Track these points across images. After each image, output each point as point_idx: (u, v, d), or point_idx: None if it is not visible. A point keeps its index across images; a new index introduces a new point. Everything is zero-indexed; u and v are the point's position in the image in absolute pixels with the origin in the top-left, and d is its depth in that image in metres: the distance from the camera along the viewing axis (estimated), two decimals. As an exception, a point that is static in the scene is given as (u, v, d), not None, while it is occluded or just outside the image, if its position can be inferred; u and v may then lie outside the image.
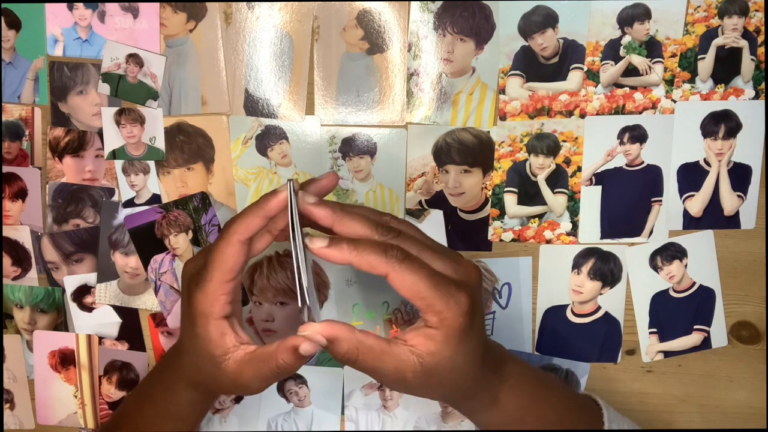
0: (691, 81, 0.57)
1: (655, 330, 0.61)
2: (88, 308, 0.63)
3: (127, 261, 0.62)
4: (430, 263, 0.41)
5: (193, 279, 0.44)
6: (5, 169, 0.62)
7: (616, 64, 0.57)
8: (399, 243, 0.41)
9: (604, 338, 0.61)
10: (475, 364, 0.43)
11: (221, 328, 0.43)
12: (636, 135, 0.58)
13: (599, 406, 0.51)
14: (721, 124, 0.58)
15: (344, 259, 0.40)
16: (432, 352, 0.41)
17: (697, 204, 0.59)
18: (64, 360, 0.64)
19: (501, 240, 0.60)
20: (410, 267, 0.40)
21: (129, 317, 0.63)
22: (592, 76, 0.58)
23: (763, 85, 0.57)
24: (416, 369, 0.41)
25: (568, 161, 0.59)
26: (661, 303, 0.60)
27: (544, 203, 0.60)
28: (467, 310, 0.40)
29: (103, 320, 0.63)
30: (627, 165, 0.59)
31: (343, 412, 0.63)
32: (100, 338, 0.64)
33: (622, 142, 0.58)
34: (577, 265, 0.60)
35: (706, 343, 0.61)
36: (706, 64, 0.57)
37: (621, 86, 0.58)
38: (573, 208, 0.60)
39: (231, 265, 0.42)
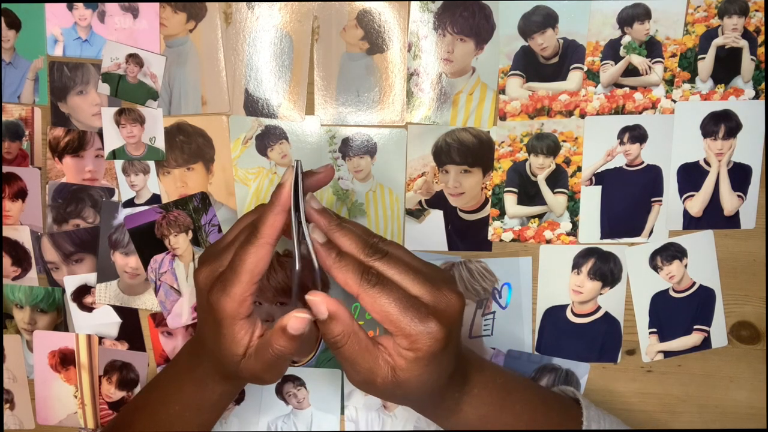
0: (691, 81, 0.57)
1: (655, 330, 0.61)
2: (88, 308, 0.63)
3: (127, 261, 0.62)
4: (408, 287, 0.43)
5: (217, 284, 0.44)
6: (5, 169, 0.62)
7: (616, 64, 0.57)
8: (383, 263, 0.43)
9: (604, 338, 0.61)
10: (441, 380, 0.45)
11: (246, 327, 0.45)
12: (636, 135, 0.58)
13: (581, 407, 0.52)
14: (721, 124, 0.58)
15: (327, 264, 0.43)
16: (402, 368, 0.42)
17: (697, 204, 0.59)
18: (64, 360, 0.64)
19: (501, 240, 0.60)
20: (381, 291, 0.42)
21: (129, 317, 0.63)
22: (592, 76, 0.58)
23: (763, 85, 0.57)
24: (386, 377, 0.43)
25: (568, 161, 0.59)
26: (661, 303, 0.60)
27: (544, 203, 0.60)
28: (439, 337, 0.41)
29: (103, 320, 0.63)
30: (627, 165, 0.59)
31: (342, 412, 0.63)
32: (100, 338, 0.64)
33: (622, 142, 0.58)
34: (577, 265, 0.60)
35: (706, 343, 0.61)
36: (706, 64, 0.57)
37: (621, 86, 0.58)
38: (573, 208, 0.60)
39: (261, 269, 0.43)
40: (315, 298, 0.42)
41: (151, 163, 0.61)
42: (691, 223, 0.59)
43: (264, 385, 0.55)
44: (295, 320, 0.42)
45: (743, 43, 0.57)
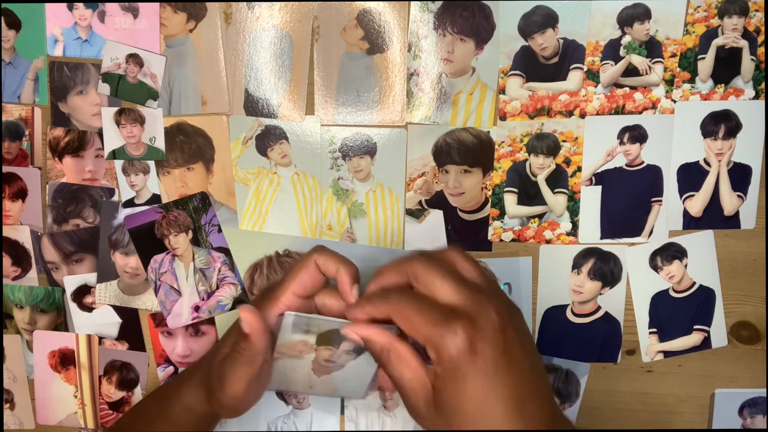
0: (691, 81, 0.57)
1: (655, 330, 0.61)
2: (88, 308, 0.63)
3: (127, 261, 0.62)
4: (439, 293, 0.41)
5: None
6: (5, 169, 0.62)
7: (616, 64, 0.57)
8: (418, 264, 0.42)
9: (604, 338, 0.61)
10: (495, 416, 0.39)
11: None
12: (636, 135, 0.58)
13: None
14: (721, 124, 0.58)
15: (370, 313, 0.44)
16: (437, 387, 0.40)
17: (697, 204, 0.59)
18: (64, 360, 0.64)
19: (501, 240, 0.60)
20: (410, 305, 0.41)
21: (129, 317, 0.63)
22: (592, 76, 0.58)
23: (763, 85, 0.57)
24: (428, 400, 0.41)
25: (568, 161, 0.59)
26: (661, 303, 0.60)
27: (544, 203, 0.60)
28: (462, 346, 0.38)
29: (103, 320, 0.63)
30: (627, 165, 0.59)
31: (342, 412, 0.63)
32: (100, 338, 0.64)
33: (622, 142, 0.58)
34: (577, 265, 0.60)
35: (706, 343, 0.61)
36: (706, 64, 0.57)
37: (621, 86, 0.58)
38: (573, 208, 0.60)
39: (303, 288, 0.47)
40: (347, 331, 0.43)
41: (151, 163, 0.61)
42: (691, 223, 0.59)
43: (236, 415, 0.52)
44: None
45: (743, 43, 0.57)
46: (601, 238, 0.60)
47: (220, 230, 0.62)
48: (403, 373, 0.41)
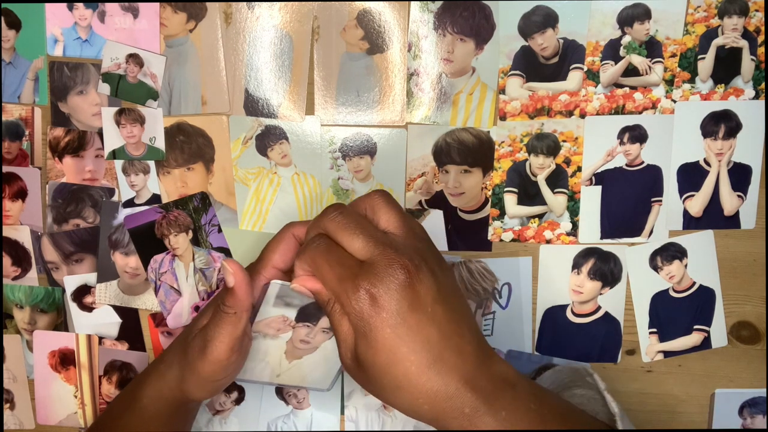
0: (691, 81, 0.57)
1: (655, 330, 0.61)
2: (88, 308, 0.63)
3: (127, 261, 0.62)
4: (348, 244, 0.40)
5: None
6: (5, 169, 0.62)
7: (616, 64, 0.57)
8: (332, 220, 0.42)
9: (604, 338, 0.61)
10: (408, 367, 0.39)
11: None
12: (636, 135, 0.58)
13: None
14: (721, 124, 0.58)
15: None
16: (355, 342, 0.40)
17: (697, 204, 0.59)
18: (64, 360, 0.64)
19: (501, 240, 0.60)
20: (320, 260, 0.41)
21: (129, 317, 0.63)
22: (592, 76, 0.58)
23: (763, 85, 0.57)
24: (352, 354, 0.40)
25: (568, 161, 0.59)
26: (661, 303, 0.60)
27: (544, 203, 0.60)
28: (366, 303, 0.38)
29: (103, 320, 0.63)
30: (627, 165, 0.59)
31: (342, 412, 0.63)
32: (100, 338, 0.64)
33: (622, 142, 0.58)
34: (577, 265, 0.60)
35: (706, 343, 0.61)
36: (706, 64, 0.57)
37: (621, 86, 0.58)
38: (573, 208, 0.60)
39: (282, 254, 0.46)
40: (294, 285, 0.42)
41: (151, 163, 0.61)
42: (691, 223, 0.59)
43: (218, 388, 0.51)
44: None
45: (743, 43, 0.57)
46: (601, 238, 0.60)
47: (220, 230, 0.62)
48: (341, 325, 0.40)
